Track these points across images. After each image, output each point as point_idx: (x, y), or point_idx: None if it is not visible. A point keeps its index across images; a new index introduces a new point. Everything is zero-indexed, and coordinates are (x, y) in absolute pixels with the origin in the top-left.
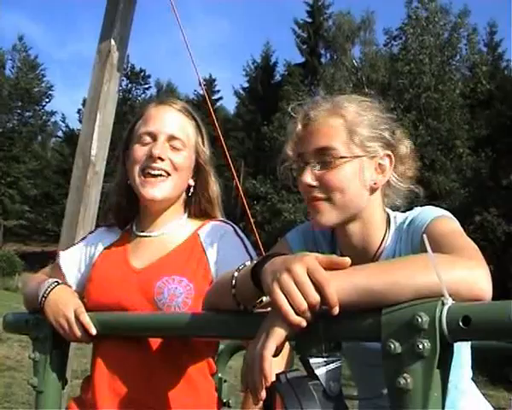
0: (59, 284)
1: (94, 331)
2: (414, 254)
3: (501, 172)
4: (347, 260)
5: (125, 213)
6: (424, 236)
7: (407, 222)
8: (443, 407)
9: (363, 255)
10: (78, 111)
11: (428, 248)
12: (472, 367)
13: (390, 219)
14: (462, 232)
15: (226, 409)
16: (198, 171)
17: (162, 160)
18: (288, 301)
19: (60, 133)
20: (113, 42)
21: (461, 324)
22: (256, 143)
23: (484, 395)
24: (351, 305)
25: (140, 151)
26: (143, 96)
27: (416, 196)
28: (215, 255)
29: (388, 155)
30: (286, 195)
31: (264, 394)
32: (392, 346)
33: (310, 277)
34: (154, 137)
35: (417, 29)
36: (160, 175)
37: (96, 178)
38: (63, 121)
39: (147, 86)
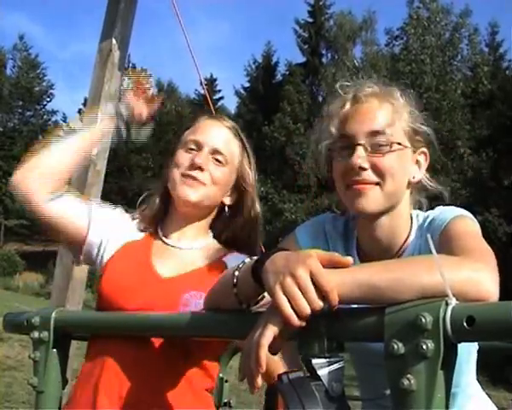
0: None
1: None
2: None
3: (502, 173)
4: (349, 259)
5: (158, 218)
6: (428, 235)
7: (428, 221)
8: (446, 408)
9: (386, 250)
10: (79, 111)
11: (432, 247)
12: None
13: (412, 216)
14: (478, 234)
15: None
16: (239, 192)
17: (202, 170)
18: (291, 304)
19: (61, 133)
20: (114, 41)
21: (465, 324)
22: (257, 143)
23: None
24: (353, 301)
25: (183, 157)
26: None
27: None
28: None
29: (424, 152)
30: (287, 195)
31: (259, 381)
32: (396, 346)
33: (312, 280)
34: (199, 147)
35: (419, 29)
36: (197, 183)
37: (97, 177)
38: (64, 121)
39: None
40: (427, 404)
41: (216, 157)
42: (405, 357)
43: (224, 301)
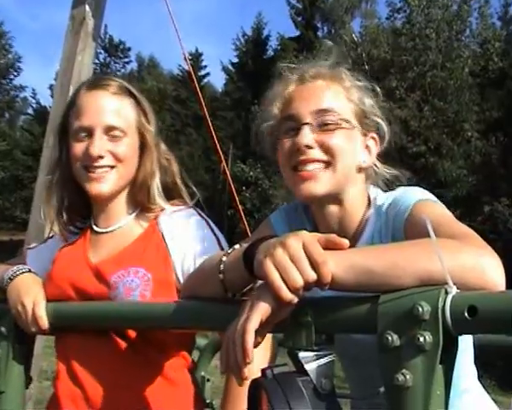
0: (29, 271)
1: (44, 326)
2: (395, 240)
3: None
4: (346, 241)
5: (78, 208)
6: (427, 220)
7: (387, 203)
8: (446, 406)
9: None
10: (51, 87)
11: (431, 231)
12: (478, 368)
13: (371, 198)
14: (454, 217)
15: None
16: (144, 154)
17: (102, 157)
18: (282, 276)
19: (30, 110)
20: (87, 8)
21: (466, 315)
22: (246, 124)
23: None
24: (347, 285)
25: (78, 149)
26: (123, 70)
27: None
28: (176, 241)
29: (374, 138)
30: (278, 180)
31: (247, 372)
32: (390, 338)
33: (305, 253)
34: (90, 132)
35: (423, 1)
36: (104, 171)
37: None
38: (34, 97)
39: (127, 60)
40: (424, 402)
41: (112, 134)
42: (401, 350)
43: (205, 288)
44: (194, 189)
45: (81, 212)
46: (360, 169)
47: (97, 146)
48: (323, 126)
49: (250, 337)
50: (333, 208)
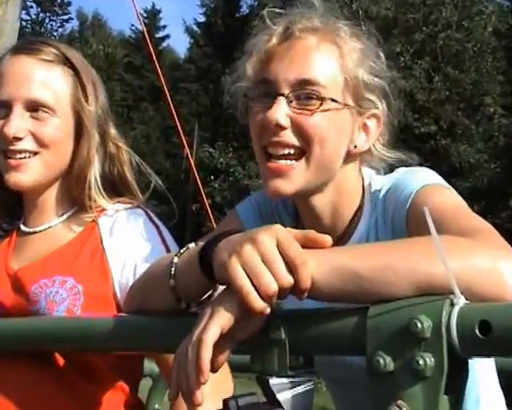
0: None
1: None
2: (397, 236)
3: None
4: (328, 238)
5: (3, 205)
6: (425, 209)
7: (385, 189)
8: None
9: (330, 233)
10: None
11: (430, 223)
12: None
13: (365, 186)
14: (469, 208)
15: None
16: (81, 138)
17: (19, 139)
18: (251, 280)
19: None
20: None
21: (477, 332)
22: (214, 99)
23: None
24: (329, 292)
25: None
26: (61, 30)
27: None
28: (116, 246)
29: (375, 115)
30: (253, 168)
31: (201, 396)
32: (382, 361)
33: (280, 252)
34: (8, 107)
35: None
36: (24, 157)
37: None
38: None
39: (66, 17)
40: None
41: (36, 110)
42: (395, 376)
43: (154, 297)
44: (153, 179)
45: (8, 210)
46: (351, 155)
47: (14, 125)
48: (303, 101)
49: (206, 350)
50: (318, 200)
